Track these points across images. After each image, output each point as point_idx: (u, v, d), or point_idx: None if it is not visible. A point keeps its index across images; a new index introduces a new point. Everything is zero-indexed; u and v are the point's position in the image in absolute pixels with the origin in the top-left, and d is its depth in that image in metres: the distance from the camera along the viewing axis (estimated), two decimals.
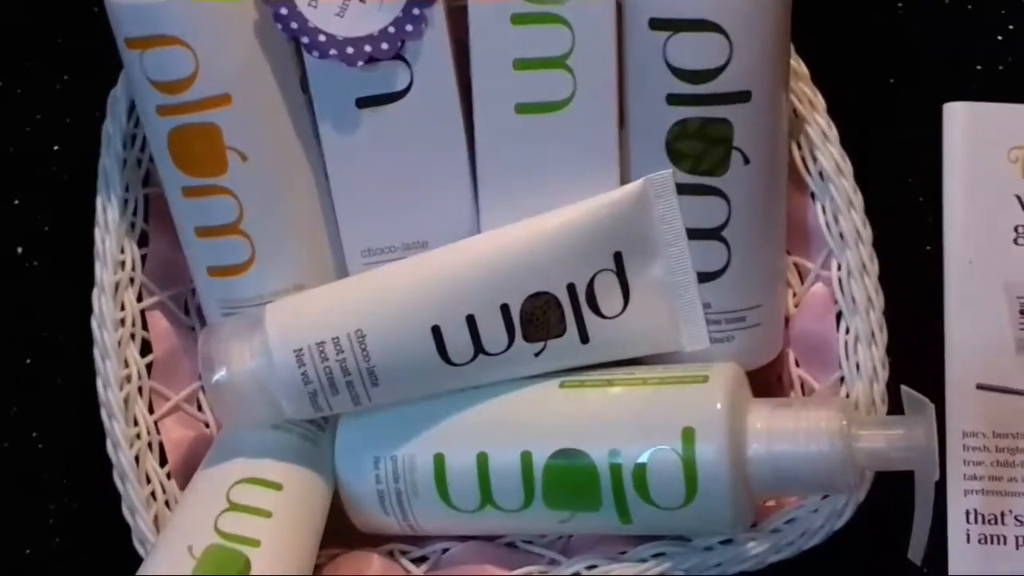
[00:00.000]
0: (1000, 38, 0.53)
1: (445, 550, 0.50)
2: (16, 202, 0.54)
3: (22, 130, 0.54)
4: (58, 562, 0.52)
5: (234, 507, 0.46)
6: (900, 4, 0.53)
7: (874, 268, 0.48)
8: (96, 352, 0.49)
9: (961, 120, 0.52)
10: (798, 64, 0.48)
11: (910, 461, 0.44)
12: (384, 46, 0.45)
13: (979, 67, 0.53)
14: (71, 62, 0.54)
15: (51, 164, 0.54)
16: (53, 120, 0.54)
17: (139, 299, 0.50)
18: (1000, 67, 0.53)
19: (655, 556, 0.47)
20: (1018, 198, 0.52)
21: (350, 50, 0.45)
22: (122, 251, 0.49)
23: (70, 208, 0.52)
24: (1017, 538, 0.51)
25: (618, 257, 0.47)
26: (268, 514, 0.46)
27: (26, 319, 0.54)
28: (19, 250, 0.54)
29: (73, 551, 0.52)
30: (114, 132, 0.49)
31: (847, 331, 0.48)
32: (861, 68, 0.52)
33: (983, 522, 0.51)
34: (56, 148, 0.54)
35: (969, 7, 0.53)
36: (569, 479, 0.46)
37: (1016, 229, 0.52)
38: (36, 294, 0.53)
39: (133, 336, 0.50)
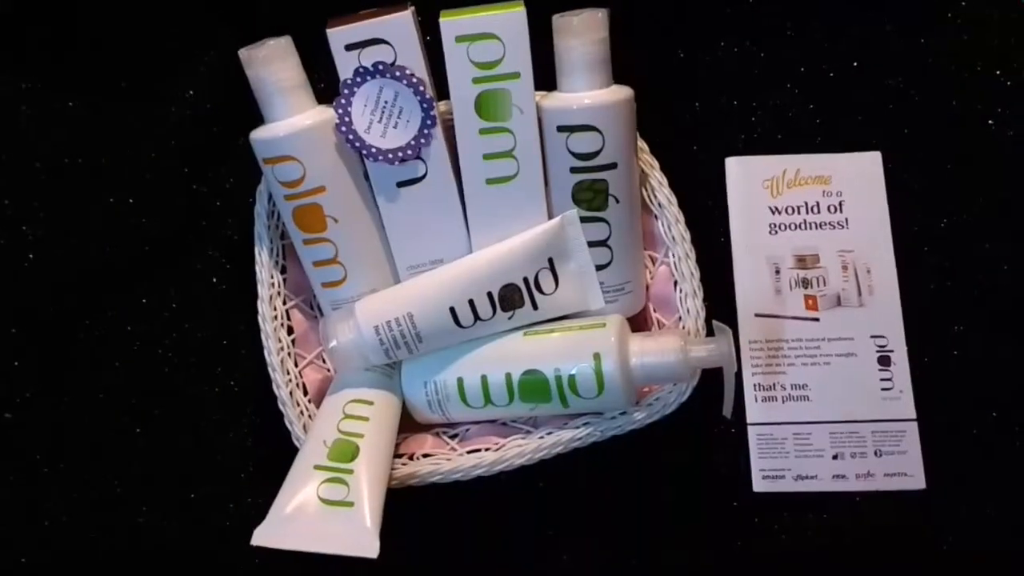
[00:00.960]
0: (753, 117, 0.53)
1: (467, 429, 0.50)
2: (210, 253, 0.53)
3: (210, 212, 0.53)
4: (250, 457, 0.51)
5: (347, 416, 0.46)
6: (696, 104, 0.53)
7: (692, 255, 0.48)
8: (263, 335, 0.48)
9: (736, 166, 0.52)
10: (642, 143, 0.48)
11: (720, 361, 0.44)
12: (409, 152, 0.45)
13: (742, 136, 0.53)
14: (235, 172, 0.53)
15: (229, 230, 0.53)
16: (228, 205, 0.53)
17: (284, 303, 0.50)
18: (755, 134, 0.53)
19: (584, 424, 0.47)
20: (769, 208, 0.52)
21: (390, 156, 0.45)
22: (272, 277, 0.49)
23: (241, 255, 0.51)
24: (782, 397, 0.50)
25: (551, 260, 0.47)
26: (367, 419, 0.46)
27: (221, 320, 0.53)
28: (214, 279, 0.53)
29: (259, 450, 0.51)
30: (261, 210, 0.49)
31: (680, 291, 0.48)
32: (678, 141, 0.51)
33: (763, 389, 0.51)
34: (230, 220, 0.53)
35: (735, 103, 0.53)
36: (532, 386, 0.46)
37: (770, 225, 0.52)
38: (225, 304, 0.53)
39: (282, 324, 0.49)
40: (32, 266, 0.52)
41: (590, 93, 0.44)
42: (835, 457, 0.50)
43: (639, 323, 0.50)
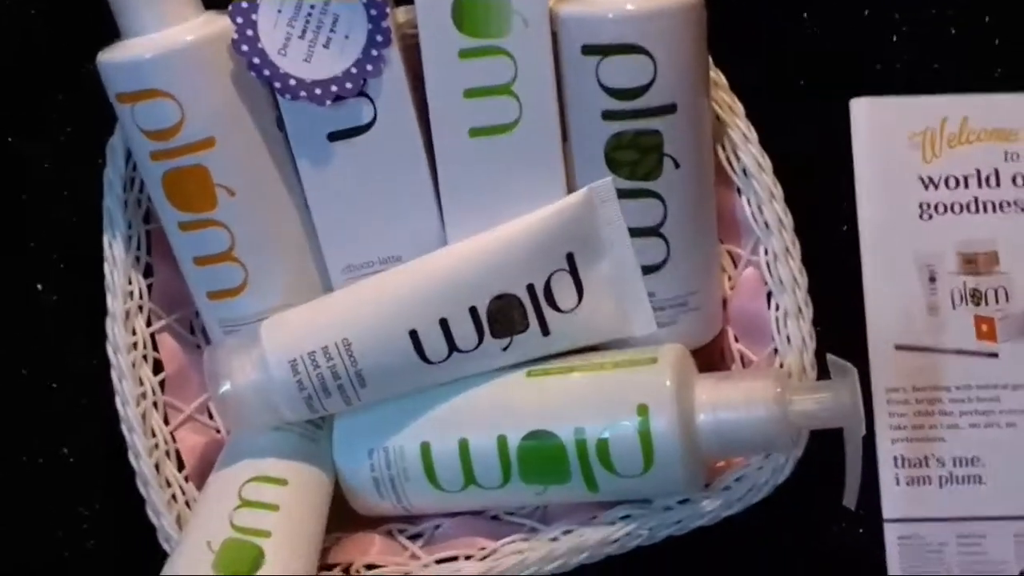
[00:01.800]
0: (894, 38, 0.53)
1: (437, 526, 0.50)
2: (32, 244, 0.54)
3: (32, 180, 0.54)
4: (93, 563, 0.52)
5: (246, 503, 0.46)
6: (805, 14, 0.53)
7: (797, 251, 0.48)
8: (113, 374, 0.49)
9: (865, 113, 0.52)
10: (717, 75, 0.49)
11: (838, 419, 0.44)
12: (348, 85, 0.46)
13: (878, 66, 0.53)
14: (72, 115, 0.53)
15: (61, 209, 0.53)
16: (60, 169, 0.53)
17: (148, 324, 0.50)
18: (896, 65, 0.53)
19: (622, 518, 0.47)
20: (920, 179, 0.52)
21: (318, 91, 0.46)
22: (129, 282, 0.49)
23: (81, 247, 0.51)
24: (940, 477, 0.51)
25: (570, 258, 0.47)
26: (276, 508, 0.46)
27: (49, 348, 0.53)
28: (39, 287, 0.54)
29: (107, 552, 0.52)
30: (114, 177, 0.49)
31: (777, 308, 0.49)
32: (773, 74, 0.52)
33: (909, 466, 0.51)
34: (65, 194, 0.54)
35: (866, 12, 0.53)
36: (541, 457, 0.46)
37: (920, 206, 0.52)
38: (57, 325, 0.53)
39: (145, 357, 0.50)
40: None
41: None
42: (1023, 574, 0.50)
43: (712, 359, 0.50)
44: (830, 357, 0.45)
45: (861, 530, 0.51)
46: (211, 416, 0.52)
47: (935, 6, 0.53)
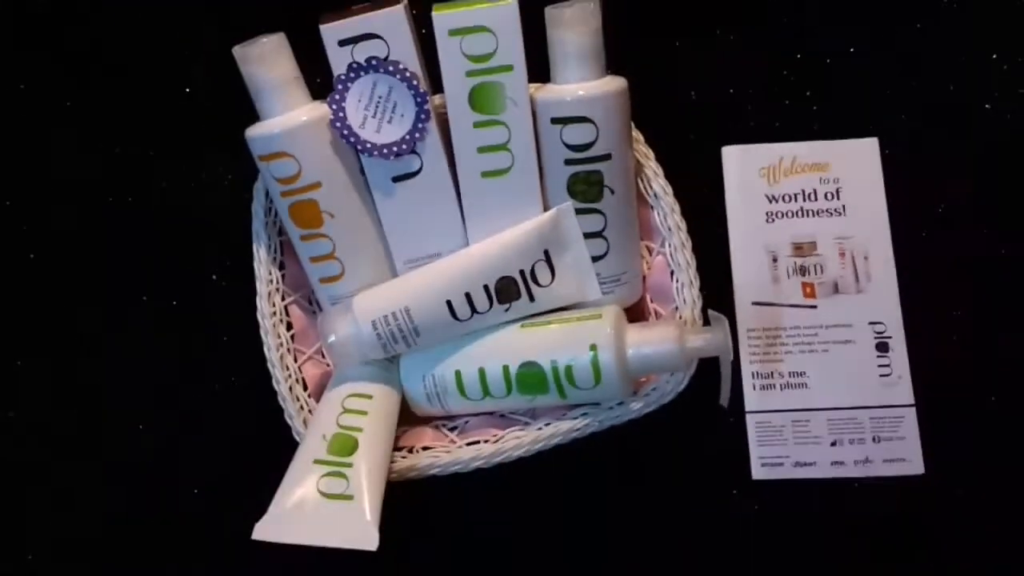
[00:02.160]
0: (749, 107, 0.53)
1: (466, 421, 0.50)
2: (209, 250, 0.53)
3: (208, 209, 0.53)
4: (254, 450, 0.51)
5: (346, 411, 0.46)
6: (692, 93, 0.53)
7: (688, 244, 0.48)
8: (261, 332, 0.49)
9: (733, 155, 0.52)
10: (637, 133, 0.48)
11: (716, 350, 0.44)
12: (404, 147, 0.45)
13: (739, 124, 0.53)
14: (232, 169, 0.53)
15: (229, 229, 0.52)
16: (226, 203, 0.53)
17: (283, 299, 0.50)
18: (751, 123, 0.53)
19: (582, 415, 0.47)
20: (766, 196, 0.52)
21: (385, 151, 0.45)
22: (270, 273, 0.49)
23: (242, 253, 0.50)
24: (780, 385, 0.51)
25: (546, 252, 0.47)
26: (366, 413, 0.46)
27: (222, 317, 0.53)
28: (214, 277, 0.53)
29: (262, 445, 0.51)
30: (258, 208, 0.49)
31: (677, 281, 0.48)
32: (673, 130, 0.51)
33: (761, 377, 0.51)
34: (229, 217, 0.53)
35: (731, 91, 0.53)
36: (530, 378, 0.46)
37: (767, 214, 0.52)
38: (228, 302, 0.52)
39: (281, 320, 0.49)
40: (34, 265, 0.53)
41: (584, 84, 0.44)
42: (833, 444, 0.50)
43: (637, 314, 0.50)
44: (710, 311, 0.45)
45: (732, 419, 0.51)
46: (323, 356, 0.51)
47: (774, 86, 0.52)
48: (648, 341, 0.45)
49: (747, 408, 0.50)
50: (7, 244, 0.53)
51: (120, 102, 0.53)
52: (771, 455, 0.50)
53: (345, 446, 0.44)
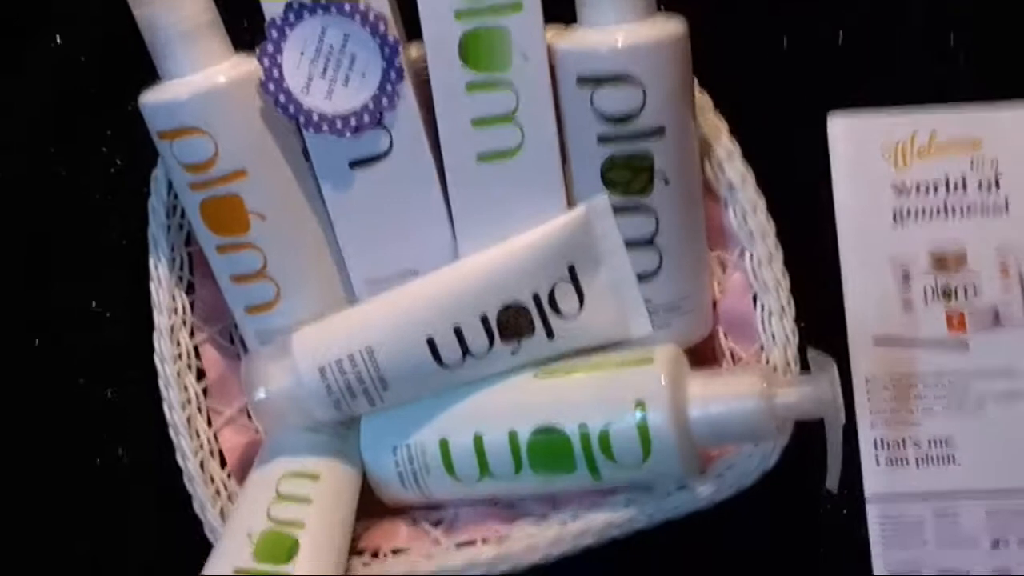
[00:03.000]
0: (866, 59, 0.53)
1: (456, 513, 0.51)
2: (86, 266, 0.54)
3: (85, 208, 0.55)
4: (147, 553, 0.53)
5: (282, 497, 0.47)
6: (784, 38, 0.54)
7: (779, 256, 0.49)
8: (160, 383, 0.50)
9: (842, 128, 0.52)
10: (702, 97, 0.49)
11: (819, 409, 0.45)
12: (366, 118, 0.46)
13: (853, 83, 0.53)
14: (120, 150, 0.54)
15: (111, 234, 0.54)
16: (110, 198, 0.54)
17: (191, 335, 0.51)
18: (869, 83, 0.53)
19: (624, 504, 0.48)
20: (893, 186, 0.52)
21: (339, 124, 0.46)
22: (173, 299, 0.50)
23: (131, 268, 0.52)
24: (916, 459, 0.51)
25: (571, 269, 0.47)
26: (310, 500, 0.46)
27: (104, 361, 0.54)
28: (93, 303, 0.54)
29: (158, 543, 0.53)
30: (158, 205, 0.50)
31: (762, 308, 0.49)
32: (755, 94, 0.51)
33: (888, 448, 0.51)
34: (115, 220, 0.54)
35: (840, 34, 0.54)
36: (548, 449, 0.46)
37: (894, 212, 0.52)
38: (109, 340, 0.54)
39: (190, 366, 0.50)
40: None
41: (624, 27, 0.45)
42: (995, 545, 0.50)
43: (704, 356, 0.51)
44: (811, 352, 0.45)
45: (845, 511, 0.51)
46: (250, 418, 0.52)
47: (902, 29, 0.53)
48: (721, 397, 0.45)
49: (867, 494, 0.51)
50: None
51: None
52: (904, 561, 0.51)
53: (280, 549, 0.45)
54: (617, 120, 0.45)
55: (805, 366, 0.47)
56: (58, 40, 0.54)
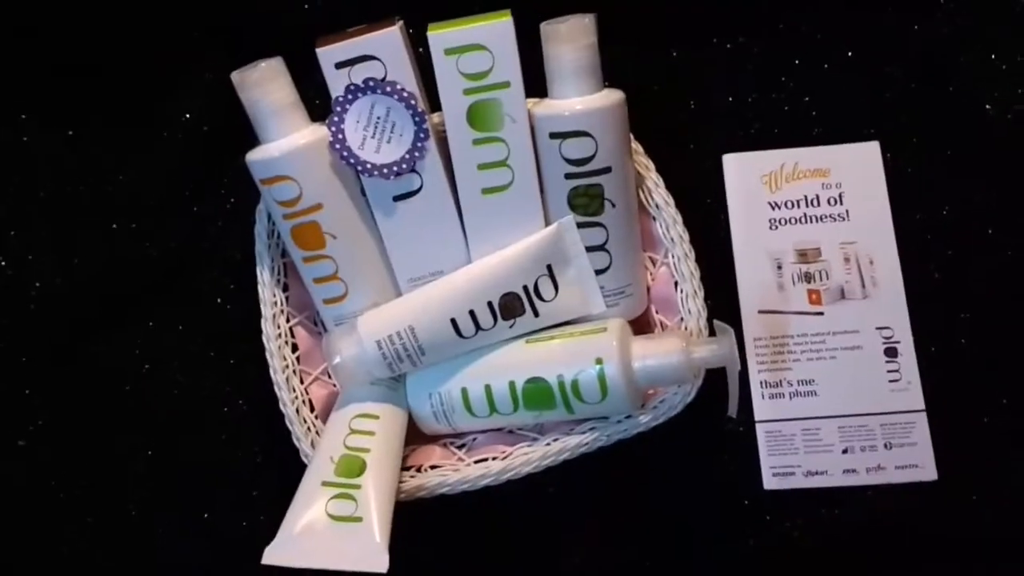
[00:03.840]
0: (749, 114, 0.53)
1: (474, 439, 0.50)
2: (215, 274, 0.53)
3: (209, 234, 0.54)
4: (263, 472, 0.52)
5: (353, 431, 0.46)
6: (691, 103, 0.53)
7: (692, 254, 0.48)
8: (267, 354, 0.49)
9: (733, 163, 0.52)
10: (636, 145, 0.48)
11: (723, 361, 0.44)
12: (404, 166, 0.45)
13: (740, 132, 0.53)
14: (235, 192, 0.53)
15: (232, 251, 0.53)
16: (229, 226, 0.53)
17: (288, 321, 0.50)
18: (751, 129, 0.53)
19: (590, 429, 0.47)
20: (768, 203, 0.52)
21: (385, 171, 0.45)
22: (274, 295, 0.49)
23: (246, 276, 0.51)
24: (789, 393, 0.50)
25: (549, 267, 0.47)
26: (373, 433, 0.46)
27: (228, 340, 0.53)
28: (218, 300, 0.53)
29: (270, 466, 0.51)
30: (261, 230, 0.49)
31: (681, 292, 0.48)
32: (672, 140, 0.51)
33: (770, 387, 0.51)
34: (231, 241, 0.53)
35: (730, 99, 0.53)
36: (536, 394, 0.46)
37: (770, 221, 0.51)
38: (234, 324, 0.53)
39: (287, 342, 0.49)
40: (39, 295, 0.53)
41: (581, 99, 0.44)
42: (845, 451, 0.50)
43: (642, 326, 0.50)
44: (715, 321, 0.45)
45: (741, 428, 0.50)
46: (330, 377, 0.51)
47: (774, 92, 0.52)
48: (654, 353, 0.45)
49: (757, 418, 0.50)
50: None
51: (124, 132, 0.53)
52: (782, 465, 0.50)
53: (353, 467, 0.44)
54: (578, 162, 0.45)
55: (712, 333, 0.47)
56: (187, 116, 0.53)
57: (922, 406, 0.50)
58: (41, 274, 0.53)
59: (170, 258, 0.53)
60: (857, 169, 0.52)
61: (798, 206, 0.52)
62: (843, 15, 0.52)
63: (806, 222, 0.52)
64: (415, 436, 0.49)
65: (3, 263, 0.53)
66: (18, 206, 0.53)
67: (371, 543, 0.41)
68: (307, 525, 0.42)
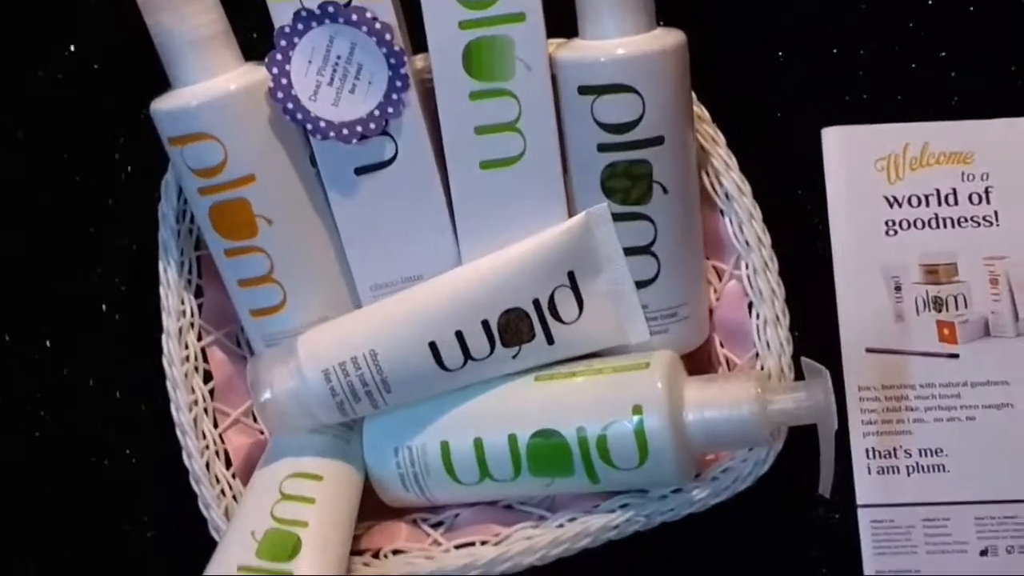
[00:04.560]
0: (860, 72, 0.53)
1: (456, 515, 0.50)
2: (98, 270, 0.54)
3: (97, 213, 0.54)
4: (153, 551, 0.53)
5: (285, 497, 0.46)
6: (780, 53, 0.53)
7: (774, 265, 0.48)
8: (168, 384, 0.49)
9: (836, 140, 0.52)
10: (700, 109, 0.49)
11: (813, 416, 0.44)
12: (372, 126, 0.46)
13: (846, 97, 0.53)
14: (131, 157, 0.54)
15: (123, 238, 0.54)
16: (121, 204, 0.54)
17: (199, 338, 0.50)
18: (863, 96, 0.53)
19: (621, 507, 0.47)
20: (885, 198, 0.52)
21: (345, 131, 0.46)
22: (182, 302, 0.50)
23: (141, 272, 0.51)
24: (907, 467, 0.51)
25: (571, 275, 0.47)
26: (312, 501, 0.46)
27: (113, 363, 0.54)
28: (103, 307, 0.54)
29: (165, 542, 0.52)
30: (168, 210, 0.50)
31: (757, 316, 0.48)
32: (751, 106, 0.51)
33: (879, 457, 0.51)
34: (126, 225, 0.54)
35: (834, 51, 0.53)
36: (547, 453, 0.46)
37: (886, 223, 0.52)
38: (118, 342, 0.54)
39: (197, 368, 0.50)
40: None
41: (625, 40, 0.45)
42: (984, 553, 0.50)
43: (701, 363, 0.50)
44: (804, 360, 0.45)
45: (837, 515, 0.51)
46: (255, 419, 0.52)
47: (896, 43, 0.53)
48: (716, 402, 0.45)
49: (859, 501, 0.50)
50: None
51: None
52: (894, 567, 0.50)
53: (283, 548, 0.44)
54: (616, 129, 0.45)
55: (799, 375, 0.46)
56: (72, 48, 0.54)
57: None
58: None
59: (38, 249, 0.54)
60: (1011, 153, 0.52)
61: (927, 203, 0.52)
62: None
63: (938, 226, 0.52)
64: (373, 508, 0.49)
65: None
66: None
67: None
68: None
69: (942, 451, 0.51)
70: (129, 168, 0.54)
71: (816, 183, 0.52)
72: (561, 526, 0.47)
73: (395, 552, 0.49)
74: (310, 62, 0.45)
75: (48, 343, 0.54)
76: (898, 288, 0.52)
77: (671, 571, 0.50)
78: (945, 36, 0.53)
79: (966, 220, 0.52)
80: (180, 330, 0.49)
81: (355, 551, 0.48)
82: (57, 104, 0.54)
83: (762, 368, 0.48)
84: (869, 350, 0.51)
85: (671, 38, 0.45)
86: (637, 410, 0.45)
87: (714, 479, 0.47)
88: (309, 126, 0.46)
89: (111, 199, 0.54)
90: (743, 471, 0.47)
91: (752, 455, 0.47)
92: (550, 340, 0.47)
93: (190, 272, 0.50)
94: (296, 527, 0.45)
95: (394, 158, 0.47)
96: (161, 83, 0.47)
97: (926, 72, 0.53)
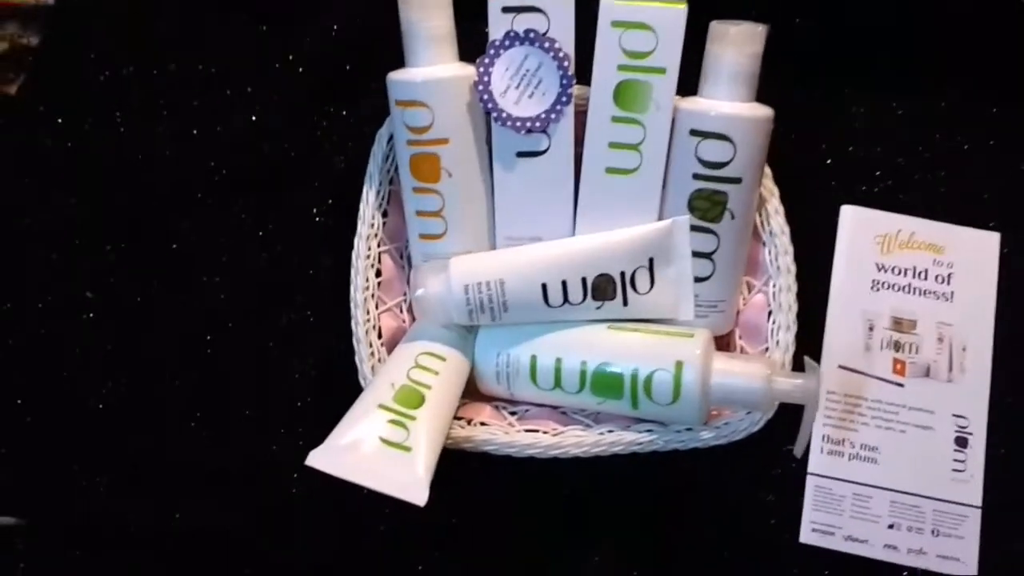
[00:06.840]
0: (877, 173, 0.51)
1: (527, 410, 0.49)
2: (317, 183, 0.53)
3: (328, 143, 0.53)
4: (313, 388, 0.51)
5: (418, 366, 0.45)
6: (824, 145, 0.52)
7: (794, 288, 0.47)
8: (352, 271, 0.48)
9: (850, 216, 0.51)
10: (767, 168, 0.47)
11: (804, 398, 0.43)
12: (537, 124, 0.45)
13: (863, 187, 0.51)
14: (365, 109, 0.53)
15: (340, 164, 0.53)
16: (345, 140, 0.53)
17: (379, 245, 0.49)
18: (875, 189, 0.51)
19: (648, 431, 0.46)
20: (876, 265, 0.50)
21: (518, 124, 0.45)
22: (373, 217, 0.49)
23: (348, 192, 0.50)
24: (849, 455, 0.49)
25: (651, 261, 0.46)
26: (437, 372, 0.45)
27: (313, 250, 0.52)
28: (314, 209, 0.53)
29: (324, 382, 0.51)
30: (378, 151, 0.49)
31: (774, 322, 0.47)
32: (797, 179, 0.49)
33: (831, 443, 0.49)
34: (344, 156, 0.53)
35: (862, 153, 0.51)
36: (606, 380, 0.45)
37: (873, 282, 0.50)
38: (322, 236, 0.52)
39: (372, 265, 0.49)
40: (147, 167, 0.53)
41: (731, 104, 0.43)
42: (891, 526, 0.48)
43: (722, 346, 0.49)
44: (806, 359, 0.43)
45: (792, 476, 0.49)
46: (401, 311, 0.51)
47: (904, 158, 0.51)
48: (736, 373, 0.43)
49: (810, 469, 0.49)
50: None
51: (270, 28, 0.53)
52: (824, 523, 0.48)
53: (412, 399, 0.43)
54: (710, 165, 0.44)
55: (796, 369, 0.45)
56: (335, 28, 0.53)
57: (979, 502, 0.48)
58: (157, 148, 0.53)
59: (280, 158, 0.52)
60: (972, 254, 0.50)
61: (905, 275, 0.50)
62: (995, 101, 0.51)
63: (909, 292, 0.50)
64: (472, 390, 0.48)
65: (122, 129, 0.53)
66: (146, 80, 0.53)
67: (415, 475, 0.41)
68: (355, 441, 0.41)
69: (876, 449, 0.49)
70: (358, 116, 0.52)
71: (829, 242, 0.51)
72: (602, 434, 0.46)
73: (481, 423, 0.48)
74: (507, 69, 0.44)
75: (270, 226, 0.53)
76: (871, 328, 0.50)
77: (668, 490, 0.49)
78: (944, 163, 0.51)
79: (930, 293, 0.50)
80: (368, 237, 0.49)
81: (455, 416, 0.47)
82: (320, 63, 0.53)
83: (771, 358, 0.46)
84: (841, 367, 0.49)
85: (763, 111, 0.44)
86: (679, 365, 0.44)
87: (718, 428, 0.46)
88: (495, 115, 0.45)
89: (338, 136, 0.52)
90: (739, 427, 0.46)
91: (749, 417, 0.45)
92: (625, 303, 0.46)
93: (383, 199, 0.49)
94: (422, 388, 0.44)
95: (546, 150, 0.46)
96: (398, 63, 0.46)
97: (924, 183, 0.51)
